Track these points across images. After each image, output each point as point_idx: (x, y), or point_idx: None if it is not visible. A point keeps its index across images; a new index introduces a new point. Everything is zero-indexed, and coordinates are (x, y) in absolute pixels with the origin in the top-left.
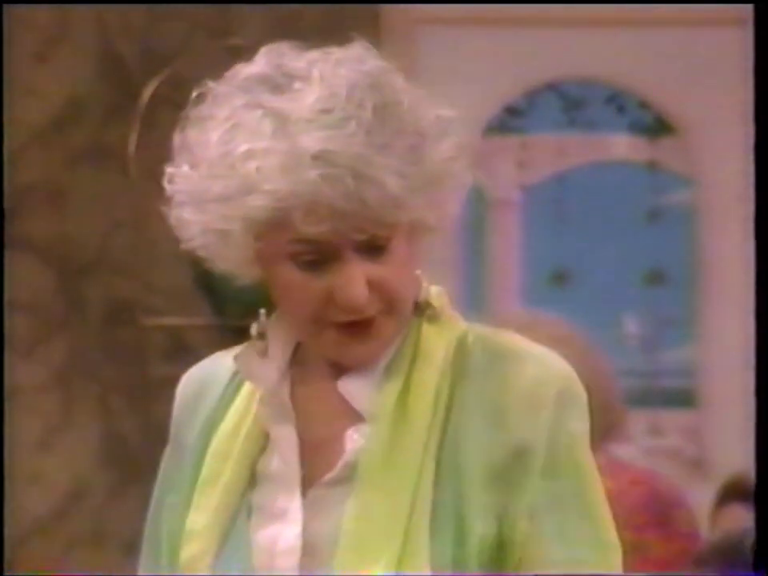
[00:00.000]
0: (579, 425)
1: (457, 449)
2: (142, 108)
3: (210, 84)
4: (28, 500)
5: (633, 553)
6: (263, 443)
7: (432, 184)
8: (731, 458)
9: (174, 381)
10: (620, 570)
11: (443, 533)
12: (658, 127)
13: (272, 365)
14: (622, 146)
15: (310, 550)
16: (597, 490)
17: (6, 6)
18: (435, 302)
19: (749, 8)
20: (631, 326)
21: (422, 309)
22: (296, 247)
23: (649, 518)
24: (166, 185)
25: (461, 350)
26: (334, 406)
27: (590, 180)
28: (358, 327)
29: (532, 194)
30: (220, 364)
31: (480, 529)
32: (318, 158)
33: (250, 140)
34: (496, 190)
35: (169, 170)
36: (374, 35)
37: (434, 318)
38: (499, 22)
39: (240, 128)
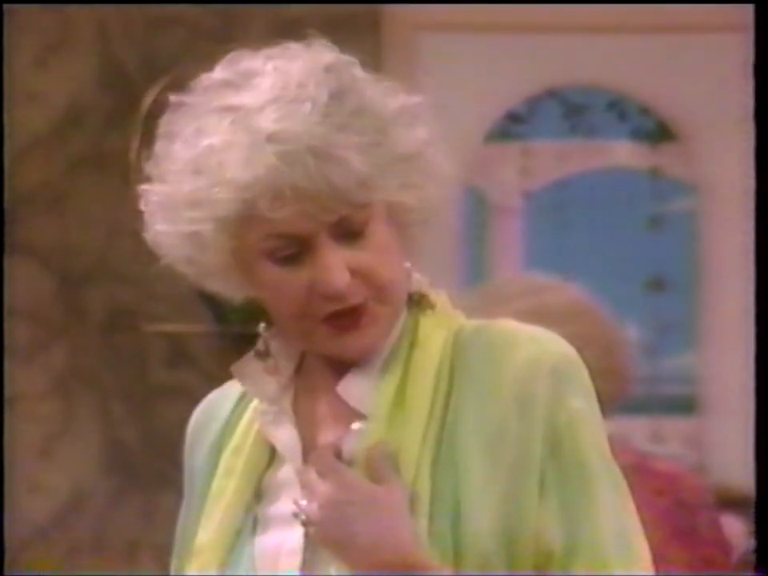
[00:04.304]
0: (579, 402)
1: (454, 434)
2: (143, 114)
3: (174, 98)
4: (28, 507)
5: (655, 564)
6: (269, 458)
7: (403, 163)
8: (732, 465)
9: (174, 388)
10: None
11: (441, 519)
12: (659, 133)
13: (273, 377)
14: (623, 152)
15: (313, 548)
16: (603, 472)
17: (7, 12)
18: (429, 292)
19: (749, 14)
20: (632, 332)
21: (416, 300)
22: (270, 243)
23: (672, 529)
24: (140, 206)
25: (458, 341)
26: (336, 411)
27: (592, 186)
28: (349, 318)
29: (533, 201)
30: (226, 392)
31: (480, 509)
32: (273, 138)
33: (211, 138)
34: (497, 196)
35: (142, 188)
36: (375, 42)
37: (430, 309)
38: (500, 28)
39: (202, 131)
